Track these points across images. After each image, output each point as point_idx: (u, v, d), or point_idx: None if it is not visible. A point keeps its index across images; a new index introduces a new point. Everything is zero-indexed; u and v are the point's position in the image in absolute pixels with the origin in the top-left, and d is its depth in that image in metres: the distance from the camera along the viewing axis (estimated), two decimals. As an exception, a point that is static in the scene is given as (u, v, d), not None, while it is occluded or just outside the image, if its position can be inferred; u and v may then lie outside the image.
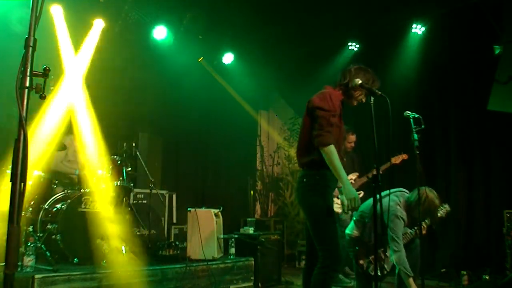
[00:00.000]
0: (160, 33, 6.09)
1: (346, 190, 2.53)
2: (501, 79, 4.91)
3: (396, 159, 4.79)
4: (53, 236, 3.72)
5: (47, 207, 4.04)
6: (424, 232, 3.75)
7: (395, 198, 3.68)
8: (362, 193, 5.01)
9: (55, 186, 4.30)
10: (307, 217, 2.72)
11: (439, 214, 3.77)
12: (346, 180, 2.56)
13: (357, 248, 3.75)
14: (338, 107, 2.71)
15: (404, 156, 4.77)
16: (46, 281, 3.08)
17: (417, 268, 3.69)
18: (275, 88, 8.01)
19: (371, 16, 5.90)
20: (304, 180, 2.69)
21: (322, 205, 2.60)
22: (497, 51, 5.11)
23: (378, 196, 2.58)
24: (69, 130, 4.95)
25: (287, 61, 7.11)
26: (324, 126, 2.62)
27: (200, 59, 6.89)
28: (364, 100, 2.84)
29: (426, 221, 3.72)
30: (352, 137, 5.09)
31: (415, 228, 3.77)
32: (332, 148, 2.57)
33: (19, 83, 1.41)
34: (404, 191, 3.86)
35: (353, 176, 5.03)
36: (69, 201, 3.90)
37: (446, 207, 3.84)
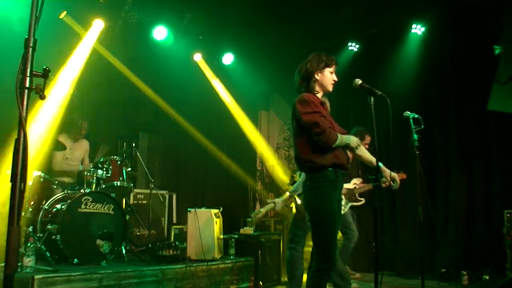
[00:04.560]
0: (160, 33, 6.09)
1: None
2: (501, 79, 4.91)
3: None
4: (53, 237, 3.72)
5: (47, 207, 4.04)
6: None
7: None
8: (363, 201, 4.98)
9: (55, 187, 4.30)
10: (309, 219, 2.72)
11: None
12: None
13: None
14: (320, 106, 2.72)
15: (402, 176, 4.44)
16: (46, 282, 3.08)
17: None
18: (275, 88, 8.00)
19: (371, 16, 5.90)
20: (308, 183, 2.68)
21: (322, 209, 2.59)
22: (497, 51, 5.11)
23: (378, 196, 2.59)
24: (62, 128, 4.96)
25: (287, 61, 7.10)
26: (321, 127, 2.61)
27: (198, 58, 6.88)
28: (336, 78, 2.85)
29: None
30: (369, 138, 4.76)
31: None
32: (336, 142, 2.61)
33: (19, 84, 1.41)
34: None
35: (356, 181, 4.98)
36: (69, 201, 3.90)
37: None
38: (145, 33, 6.11)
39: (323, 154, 2.63)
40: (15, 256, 1.35)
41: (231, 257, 4.57)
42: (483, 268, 4.80)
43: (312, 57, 2.84)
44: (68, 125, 4.97)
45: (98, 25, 5.61)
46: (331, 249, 2.59)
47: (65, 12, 5.26)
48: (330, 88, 2.84)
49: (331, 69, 2.82)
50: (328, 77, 2.81)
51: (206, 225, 4.45)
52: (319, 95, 2.85)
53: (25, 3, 4.46)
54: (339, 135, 2.65)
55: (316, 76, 2.79)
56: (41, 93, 1.45)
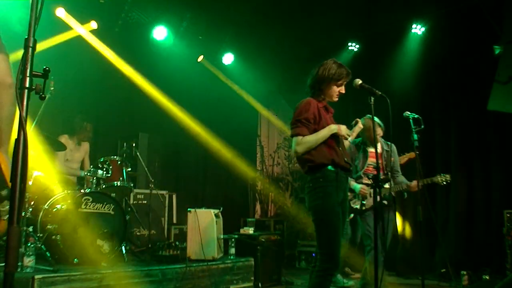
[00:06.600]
0: (160, 33, 6.10)
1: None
2: (501, 79, 4.90)
3: (402, 159, 4.44)
4: (53, 237, 3.72)
5: (47, 207, 4.04)
6: None
7: None
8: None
9: (55, 187, 4.30)
10: (312, 220, 2.73)
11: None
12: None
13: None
14: (314, 109, 2.75)
15: (411, 155, 4.30)
16: (46, 282, 3.08)
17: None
18: (275, 88, 8.01)
19: (371, 16, 5.90)
20: (310, 184, 2.71)
21: (324, 209, 2.61)
22: (497, 51, 5.11)
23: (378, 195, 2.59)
24: (63, 129, 4.96)
25: (287, 61, 7.12)
26: (294, 123, 2.75)
27: (200, 58, 6.89)
28: (343, 91, 2.87)
29: None
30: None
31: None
32: (304, 138, 2.69)
33: (18, 84, 1.41)
34: None
35: None
36: (69, 201, 3.90)
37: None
38: (145, 33, 6.11)
39: (320, 152, 2.67)
40: (15, 255, 1.35)
41: (231, 257, 4.57)
42: (483, 268, 4.81)
43: (327, 65, 2.84)
44: (71, 127, 4.96)
45: (98, 25, 5.62)
46: (335, 249, 2.59)
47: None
48: (335, 99, 2.87)
49: (340, 82, 2.83)
50: (334, 89, 2.83)
51: (206, 225, 4.45)
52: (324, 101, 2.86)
53: (24, 3, 4.46)
54: (311, 137, 2.71)
55: (322, 85, 2.82)
56: (41, 94, 1.44)
